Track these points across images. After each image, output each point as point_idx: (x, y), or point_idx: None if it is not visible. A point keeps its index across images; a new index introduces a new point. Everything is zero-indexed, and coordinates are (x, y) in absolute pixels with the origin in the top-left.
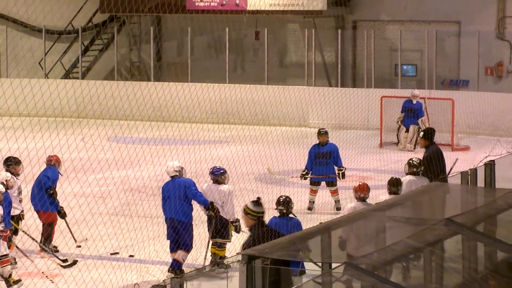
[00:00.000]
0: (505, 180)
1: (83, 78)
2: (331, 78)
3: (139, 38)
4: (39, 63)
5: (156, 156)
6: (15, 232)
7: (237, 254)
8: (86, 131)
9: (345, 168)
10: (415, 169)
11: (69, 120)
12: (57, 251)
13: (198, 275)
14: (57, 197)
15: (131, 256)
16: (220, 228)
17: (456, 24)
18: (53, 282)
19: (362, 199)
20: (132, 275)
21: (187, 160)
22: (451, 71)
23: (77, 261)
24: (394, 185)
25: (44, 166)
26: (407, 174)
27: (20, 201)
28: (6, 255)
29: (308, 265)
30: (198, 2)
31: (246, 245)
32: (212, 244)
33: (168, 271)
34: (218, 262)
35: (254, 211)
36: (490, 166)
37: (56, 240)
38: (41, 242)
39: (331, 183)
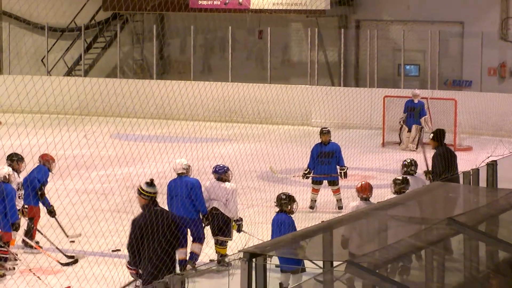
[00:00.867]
0: (507, 181)
1: (85, 76)
2: (334, 78)
3: (142, 36)
4: (42, 60)
5: (158, 153)
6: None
7: (239, 252)
8: (89, 128)
9: (347, 168)
10: (406, 169)
11: (72, 117)
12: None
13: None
14: (49, 195)
15: None
16: (222, 226)
17: (459, 24)
18: (40, 279)
19: (365, 199)
20: None
21: (189, 158)
22: (454, 72)
23: (77, 260)
24: (398, 184)
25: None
26: (402, 174)
27: (20, 197)
28: None
29: (308, 263)
30: (201, 0)
31: (137, 223)
32: (215, 243)
33: (187, 263)
34: (219, 259)
35: (147, 191)
36: (492, 166)
37: (58, 237)
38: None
39: (333, 182)
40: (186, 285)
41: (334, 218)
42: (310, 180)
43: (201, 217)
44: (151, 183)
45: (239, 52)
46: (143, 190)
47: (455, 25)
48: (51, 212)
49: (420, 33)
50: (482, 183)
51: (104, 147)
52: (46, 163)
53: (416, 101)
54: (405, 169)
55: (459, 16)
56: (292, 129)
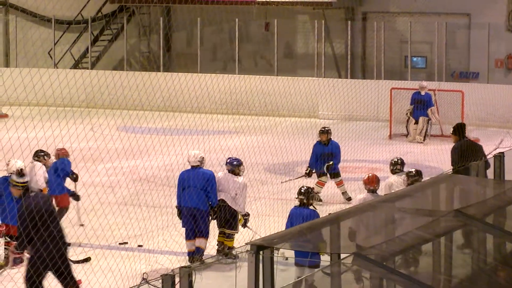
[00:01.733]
0: None
1: (92, 68)
2: (340, 70)
3: (148, 29)
4: (49, 53)
5: (165, 146)
6: None
7: (246, 244)
8: (95, 121)
9: (333, 163)
10: (392, 167)
11: (78, 110)
12: None
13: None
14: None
15: (139, 246)
16: (229, 218)
17: (466, 16)
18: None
19: (372, 191)
20: (140, 264)
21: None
22: (461, 63)
23: (89, 258)
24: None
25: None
26: (390, 172)
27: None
28: None
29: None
30: None
31: (20, 211)
32: (220, 234)
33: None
34: (227, 252)
35: (19, 182)
36: (499, 158)
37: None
38: None
39: (335, 175)
40: (193, 277)
41: (341, 210)
42: (314, 175)
43: (208, 207)
44: (22, 173)
45: (245, 44)
46: (15, 182)
47: (462, 17)
48: (77, 196)
49: (427, 25)
50: (490, 175)
51: (111, 140)
52: (64, 156)
53: (423, 93)
54: (391, 167)
55: (466, 8)
56: (299, 121)
